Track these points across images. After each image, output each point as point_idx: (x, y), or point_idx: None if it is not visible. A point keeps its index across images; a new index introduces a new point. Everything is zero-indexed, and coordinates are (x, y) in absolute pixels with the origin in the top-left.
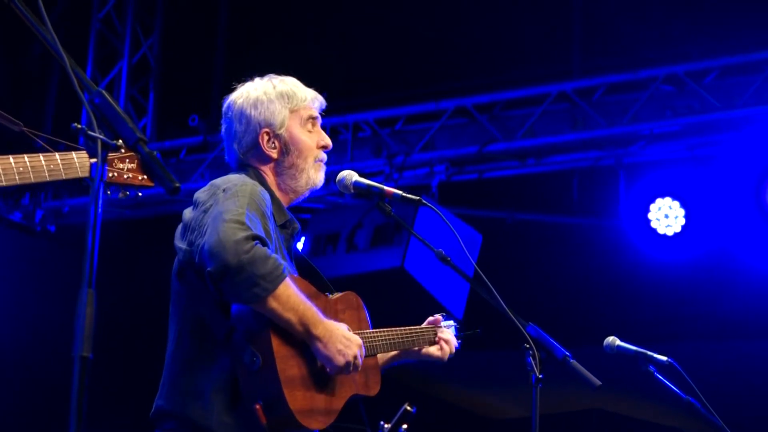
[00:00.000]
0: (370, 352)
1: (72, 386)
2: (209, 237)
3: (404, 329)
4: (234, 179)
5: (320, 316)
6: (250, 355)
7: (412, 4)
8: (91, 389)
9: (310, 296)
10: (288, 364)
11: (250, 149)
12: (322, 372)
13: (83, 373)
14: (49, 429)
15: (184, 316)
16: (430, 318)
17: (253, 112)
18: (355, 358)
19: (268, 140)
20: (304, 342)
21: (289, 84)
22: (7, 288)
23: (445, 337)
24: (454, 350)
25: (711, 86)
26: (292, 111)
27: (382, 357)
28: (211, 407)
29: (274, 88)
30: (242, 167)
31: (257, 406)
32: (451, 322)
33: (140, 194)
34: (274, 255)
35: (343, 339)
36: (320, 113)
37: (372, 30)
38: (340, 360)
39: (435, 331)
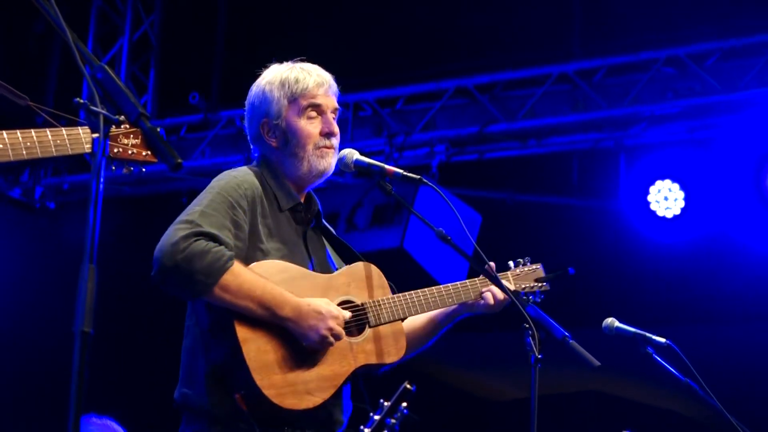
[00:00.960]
0: (385, 320)
1: (73, 362)
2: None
3: (436, 288)
4: (225, 173)
5: (286, 296)
6: (225, 345)
7: None
8: (92, 365)
9: (292, 278)
10: (258, 350)
11: (256, 140)
12: (308, 348)
13: (84, 348)
14: (50, 405)
15: (189, 308)
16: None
17: (255, 103)
18: (330, 329)
19: (268, 131)
20: (278, 324)
21: (296, 71)
22: (6, 265)
23: (493, 290)
24: (500, 301)
25: (712, 69)
26: (290, 100)
27: (422, 318)
28: (206, 394)
29: (279, 77)
30: (258, 157)
31: (237, 396)
32: (535, 266)
33: (144, 170)
34: (215, 248)
35: (314, 313)
36: (335, 98)
37: (373, 9)
38: (314, 335)
39: (477, 285)
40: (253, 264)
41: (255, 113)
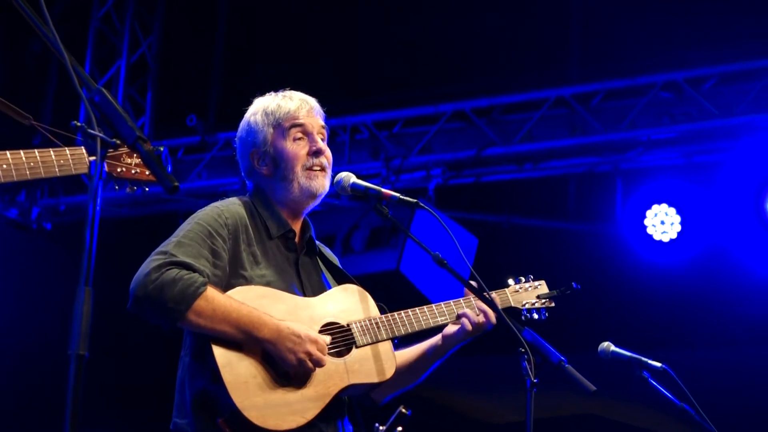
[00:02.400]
0: (371, 340)
1: (68, 384)
2: None
3: (423, 308)
4: (210, 204)
5: (264, 318)
6: (206, 371)
7: (411, 8)
8: (87, 388)
9: (272, 303)
10: (238, 373)
11: (250, 171)
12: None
13: (79, 371)
14: (44, 427)
15: (183, 337)
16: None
17: (243, 136)
18: (308, 353)
19: (258, 160)
20: (258, 346)
21: (278, 99)
22: (3, 285)
23: (471, 311)
24: (477, 324)
25: (709, 93)
26: (275, 126)
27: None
28: (193, 422)
29: (263, 106)
30: (251, 189)
31: (220, 421)
32: (537, 283)
33: (147, 189)
34: (186, 275)
35: (292, 337)
36: (322, 119)
37: (371, 33)
38: (292, 358)
39: (462, 303)
40: (230, 291)
41: (244, 146)
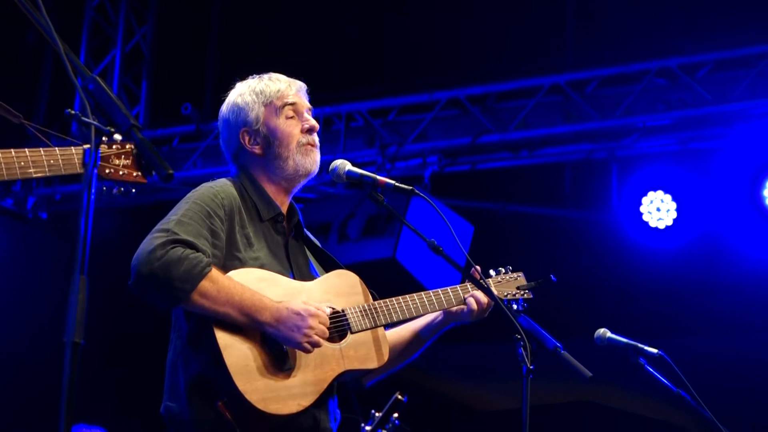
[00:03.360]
0: (366, 326)
1: (63, 372)
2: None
3: (418, 295)
4: (203, 185)
5: (265, 301)
6: (205, 353)
7: None
8: (82, 375)
9: (269, 286)
10: (239, 357)
11: (238, 152)
12: (291, 352)
13: (75, 358)
14: (40, 415)
15: (173, 322)
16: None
17: (231, 118)
18: (312, 329)
19: (250, 139)
20: (257, 330)
21: (265, 79)
22: None
23: (476, 295)
24: (484, 307)
25: (704, 80)
26: (266, 105)
27: (406, 332)
28: (188, 405)
29: (249, 87)
30: (237, 171)
31: (220, 404)
32: (516, 274)
33: (133, 191)
34: (192, 254)
35: (294, 316)
36: (307, 100)
37: (366, 20)
38: (297, 335)
39: (459, 292)
40: (230, 272)
41: (232, 127)
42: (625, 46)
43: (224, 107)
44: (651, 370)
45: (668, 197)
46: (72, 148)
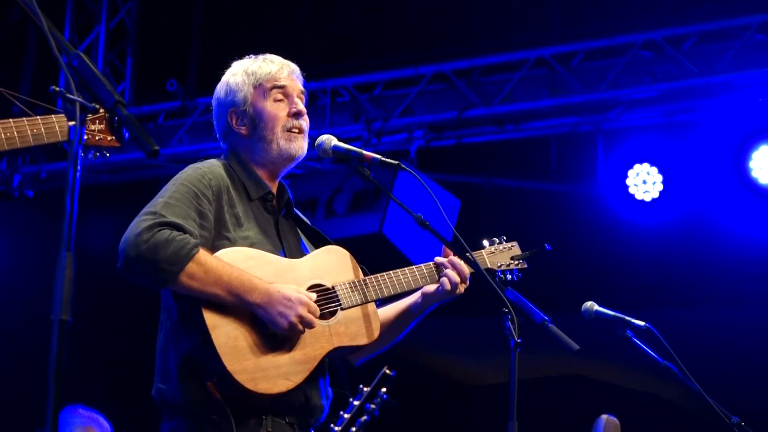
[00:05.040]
0: (357, 302)
1: (51, 350)
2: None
3: (408, 269)
4: (191, 165)
5: (255, 282)
6: (194, 334)
7: None
8: (70, 356)
9: (259, 264)
10: (228, 336)
11: (226, 132)
12: (280, 334)
13: (62, 336)
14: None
15: (162, 303)
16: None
17: (222, 96)
18: (300, 317)
19: (237, 119)
20: (247, 310)
21: (258, 61)
22: None
23: (448, 273)
24: (457, 283)
25: (689, 52)
26: (255, 86)
27: (395, 309)
28: (178, 386)
29: (242, 67)
30: (226, 151)
31: (209, 384)
32: (510, 244)
33: (108, 155)
34: (179, 236)
35: (283, 300)
36: (302, 84)
37: None
38: (283, 321)
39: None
40: (218, 252)
41: (222, 106)
42: (610, 18)
43: (219, 85)
44: (638, 342)
45: (654, 170)
46: (53, 116)
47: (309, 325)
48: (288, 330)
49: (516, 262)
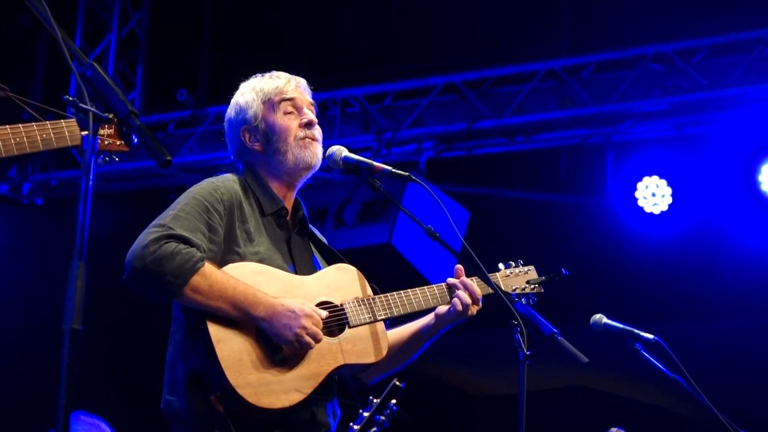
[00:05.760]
0: (365, 320)
1: (62, 359)
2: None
3: (419, 289)
4: (205, 179)
5: (259, 296)
6: (200, 348)
7: None
8: (81, 364)
9: (267, 280)
10: (232, 350)
11: (240, 151)
12: (285, 347)
13: (73, 345)
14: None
15: (172, 314)
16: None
17: (232, 118)
18: (304, 328)
19: (250, 136)
20: (252, 324)
21: (266, 78)
22: None
23: (459, 295)
24: (469, 304)
25: (700, 65)
26: (264, 102)
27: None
28: (185, 399)
29: (250, 86)
30: (242, 168)
31: (212, 397)
32: (527, 268)
33: (117, 159)
34: (185, 249)
35: (288, 313)
36: (310, 96)
37: (362, 5)
38: (289, 335)
39: (449, 285)
40: (227, 266)
41: (234, 126)
42: (620, 31)
43: (230, 106)
44: (647, 355)
45: (663, 182)
46: (62, 121)
47: (314, 337)
48: (293, 341)
49: (531, 286)
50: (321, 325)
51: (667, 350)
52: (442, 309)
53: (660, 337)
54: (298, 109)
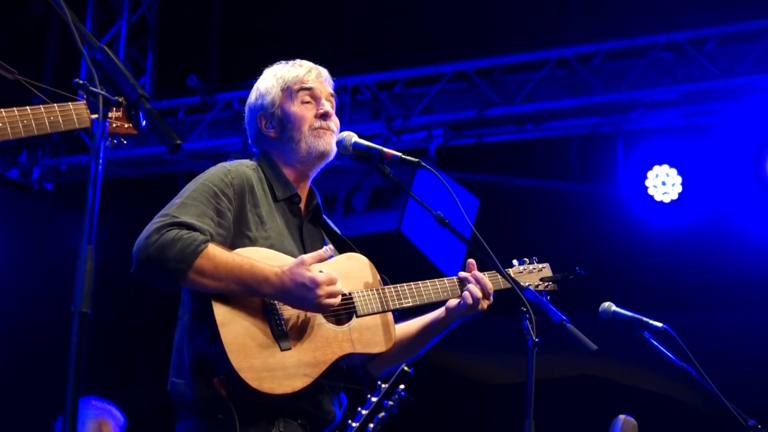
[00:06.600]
0: (373, 310)
1: (71, 342)
2: None
3: (430, 281)
4: (218, 164)
5: (267, 272)
6: (205, 331)
7: None
8: (90, 348)
9: (275, 263)
10: (237, 334)
11: (257, 137)
12: (292, 332)
13: (82, 328)
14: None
15: (181, 298)
16: (470, 260)
17: (251, 102)
18: (319, 288)
19: (266, 123)
20: (261, 306)
21: (288, 66)
22: (4, 245)
23: (470, 288)
24: (478, 298)
25: (711, 54)
26: (283, 89)
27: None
28: (190, 382)
29: (272, 72)
30: (258, 154)
31: (216, 381)
32: (541, 265)
33: (125, 142)
34: (186, 234)
35: (299, 287)
36: (331, 87)
37: None
38: (307, 307)
39: (460, 279)
40: (236, 250)
41: (252, 111)
42: (631, 19)
43: (251, 92)
44: (656, 343)
45: (674, 171)
46: (70, 104)
47: (333, 296)
48: (316, 307)
49: (545, 284)
50: (335, 282)
51: (676, 338)
52: (453, 302)
53: (669, 325)
54: (316, 99)
